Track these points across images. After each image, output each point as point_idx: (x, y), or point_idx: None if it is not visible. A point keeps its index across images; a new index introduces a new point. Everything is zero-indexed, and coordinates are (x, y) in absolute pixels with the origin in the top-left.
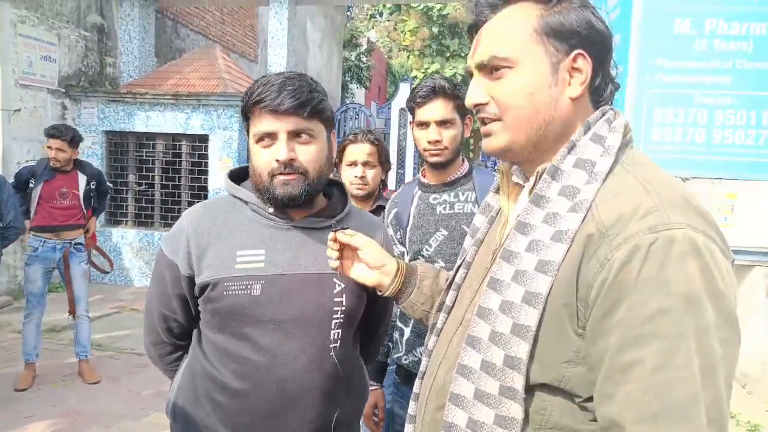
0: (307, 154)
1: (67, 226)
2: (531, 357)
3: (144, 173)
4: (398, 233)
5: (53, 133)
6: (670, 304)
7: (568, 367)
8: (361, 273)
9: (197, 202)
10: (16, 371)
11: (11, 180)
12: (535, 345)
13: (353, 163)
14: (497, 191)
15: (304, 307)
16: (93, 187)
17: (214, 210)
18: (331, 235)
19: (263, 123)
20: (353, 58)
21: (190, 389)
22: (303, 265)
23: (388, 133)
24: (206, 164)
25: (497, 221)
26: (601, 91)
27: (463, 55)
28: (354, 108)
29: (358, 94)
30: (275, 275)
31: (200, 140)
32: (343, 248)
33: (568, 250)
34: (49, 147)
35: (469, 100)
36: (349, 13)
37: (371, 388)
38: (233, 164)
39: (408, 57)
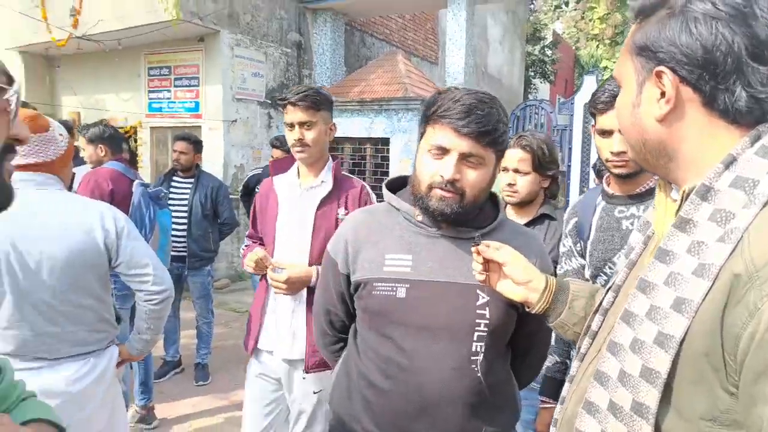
0: (471, 178)
1: None
2: (666, 404)
3: None
4: (578, 245)
5: (275, 143)
6: None
7: (712, 426)
8: (508, 288)
9: (379, 201)
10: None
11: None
12: (668, 392)
13: (505, 169)
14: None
15: (447, 314)
16: None
17: (371, 216)
18: (473, 249)
19: (441, 136)
20: (537, 52)
21: (344, 381)
22: (448, 274)
23: (571, 130)
24: (388, 165)
25: (650, 243)
26: (726, 105)
27: None
28: (533, 105)
29: (542, 89)
30: (420, 280)
31: (382, 143)
32: (488, 261)
33: (710, 289)
34: (273, 156)
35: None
36: (532, 6)
37: (546, 405)
38: (411, 165)
39: (597, 46)
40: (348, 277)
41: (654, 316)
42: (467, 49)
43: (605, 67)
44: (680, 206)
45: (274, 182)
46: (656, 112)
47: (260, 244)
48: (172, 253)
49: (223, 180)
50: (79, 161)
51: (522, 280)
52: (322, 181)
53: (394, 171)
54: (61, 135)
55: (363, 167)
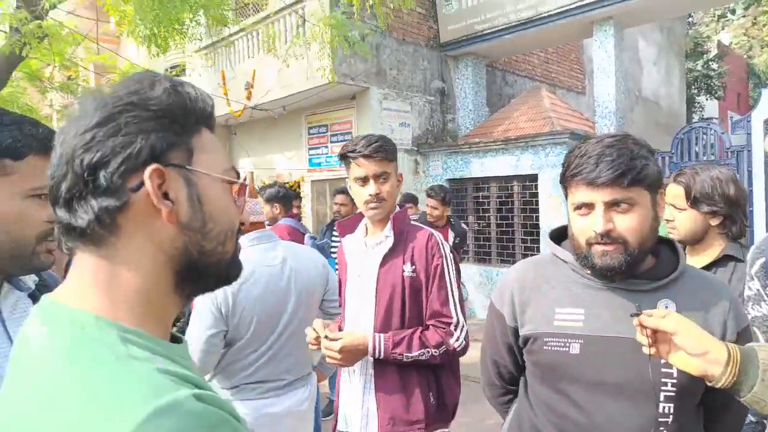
0: (626, 224)
1: None
2: None
3: (481, 214)
4: (767, 288)
5: (430, 193)
6: None
7: None
8: (682, 360)
9: (530, 239)
10: None
11: None
12: None
13: (668, 205)
14: None
15: (626, 372)
16: (457, 242)
17: (537, 267)
18: (634, 320)
19: (580, 193)
20: (699, 67)
21: None
22: (622, 329)
23: (750, 151)
24: (536, 202)
25: None
26: None
27: None
28: (700, 126)
29: (710, 106)
30: (594, 336)
31: (530, 180)
32: (656, 331)
33: None
34: (427, 205)
35: None
36: (690, 19)
37: None
38: (562, 201)
39: None
40: (516, 329)
41: None
42: (617, 76)
43: None
44: None
45: (343, 245)
46: None
47: None
48: None
49: None
50: None
51: (697, 352)
52: (386, 236)
53: (544, 208)
54: None
55: (510, 205)
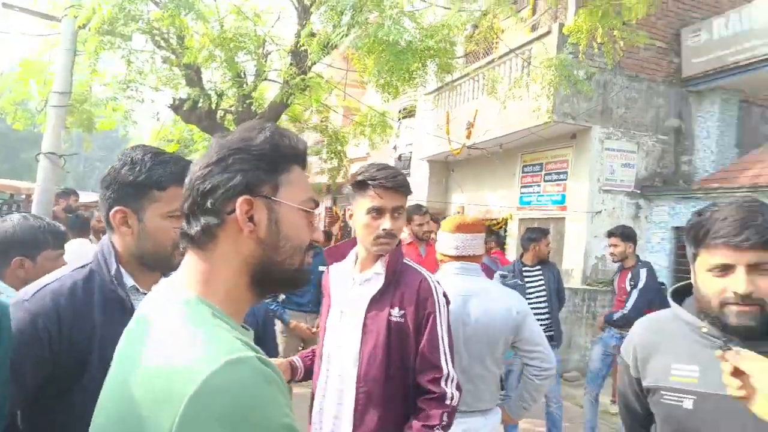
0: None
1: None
2: None
3: None
4: None
5: (611, 231)
6: None
7: None
8: (761, 407)
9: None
10: None
11: None
12: None
13: None
14: None
15: (742, 431)
16: (639, 285)
17: (659, 323)
18: (717, 352)
19: (720, 255)
20: None
21: None
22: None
23: None
24: None
25: None
26: None
27: None
28: None
29: None
30: (708, 393)
31: None
32: (742, 374)
33: None
34: (609, 244)
35: None
36: None
37: None
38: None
39: None
40: (639, 380)
41: None
42: None
43: None
44: None
45: (330, 274)
46: None
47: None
48: None
49: (583, 270)
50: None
51: None
52: (376, 273)
53: None
54: None
55: None
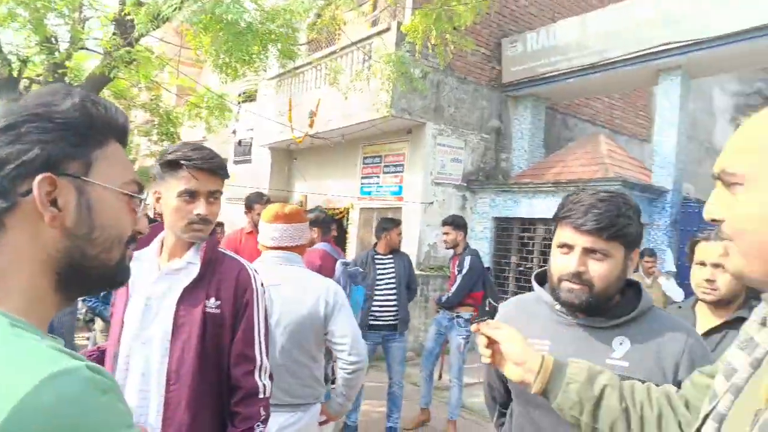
0: (597, 271)
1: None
2: None
3: (524, 255)
4: None
5: (444, 220)
6: None
7: None
8: (509, 369)
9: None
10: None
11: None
12: None
13: (702, 264)
14: (764, 323)
15: None
16: (465, 272)
17: (523, 303)
18: (473, 326)
19: (565, 234)
20: None
21: None
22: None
23: None
24: None
25: (764, 367)
26: None
27: None
28: None
29: None
30: None
31: None
32: (494, 342)
33: None
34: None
35: (705, 213)
36: None
37: None
38: None
39: None
40: None
41: None
42: (680, 126)
43: None
44: None
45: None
46: None
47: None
48: (380, 322)
49: (417, 257)
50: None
51: (518, 360)
52: (189, 263)
53: None
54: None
55: None
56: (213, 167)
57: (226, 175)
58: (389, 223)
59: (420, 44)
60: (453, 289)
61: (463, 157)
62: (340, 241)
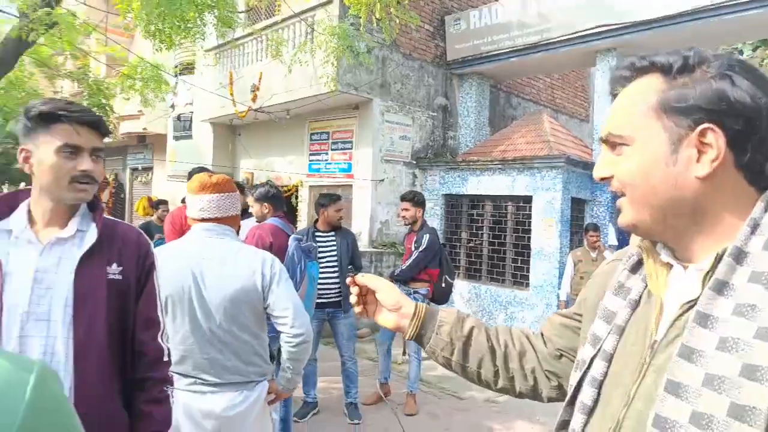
0: None
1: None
2: None
3: (474, 231)
4: None
5: (403, 196)
6: None
7: None
8: (383, 317)
9: (521, 259)
10: (366, 391)
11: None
12: None
13: None
14: (633, 270)
15: None
16: (420, 247)
17: None
18: (348, 278)
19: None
20: None
21: None
22: None
23: None
24: (529, 224)
25: (645, 306)
26: (757, 166)
27: None
28: None
29: None
30: None
31: (524, 201)
32: (366, 292)
33: None
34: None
35: (595, 173)
36: None
37: None
38: (555, 224)
39: None
40: None
41: (718, 386)
42: None
43: None
44: (711, 269)
45: None
46: (699, 171)
47: None
48: (323, 300)
49: (369, 234)
50: (247, 216)
51: (392, 306)
52: (78, 230)
53: (536, 229)
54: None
55: (504, 225)
56: (95, 121)
57: (107, 133)
58: (326, 199)
59: (365, 17)
60: (408, 262)
61: (411, 135)
62: (291, 220)
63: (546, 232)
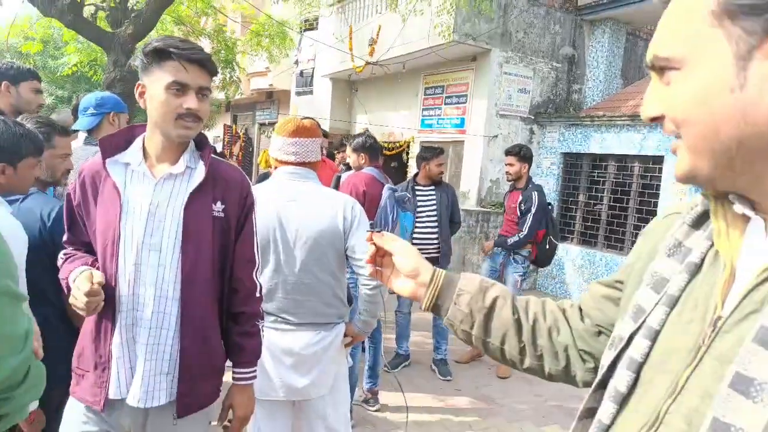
0: None
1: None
2: None
3: (593, 193)
4: None
5: (507, 150)
6: None
7: None
8: (399, 284)
9: (644, 226)
10: (460, 348)
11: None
12: None
13: None
14: (696, 225)
15: None
16: (522, 207)
17: None
18: (366, 235)
19: None
20: None
21: None
22: None
23: None
24: (658, 187)
25: (710, 272)
26: None
27: None
28: None
29: None
30: None
31: (654, 162)
32: (384, 256)
33: None
34: (505, 163)
35: (642, 112)
36: None
37: None
38: (689, 190)
39: None
40: None
41: None
42: None
43: None
44: None
45: (107, 167)
46: None
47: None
48: (426, 256)
49: (478, 193)
50: (347, 167)
51: (409, 273)
52: (188, 167)
53: (666, 193)
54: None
55: (627, 188)
56: (203, 59)
57: (215, 71)
58: (428, 152)
59: None
60: (525, 228)
61: (531, 88)
62: (401, 177)
63: (678, 197)
